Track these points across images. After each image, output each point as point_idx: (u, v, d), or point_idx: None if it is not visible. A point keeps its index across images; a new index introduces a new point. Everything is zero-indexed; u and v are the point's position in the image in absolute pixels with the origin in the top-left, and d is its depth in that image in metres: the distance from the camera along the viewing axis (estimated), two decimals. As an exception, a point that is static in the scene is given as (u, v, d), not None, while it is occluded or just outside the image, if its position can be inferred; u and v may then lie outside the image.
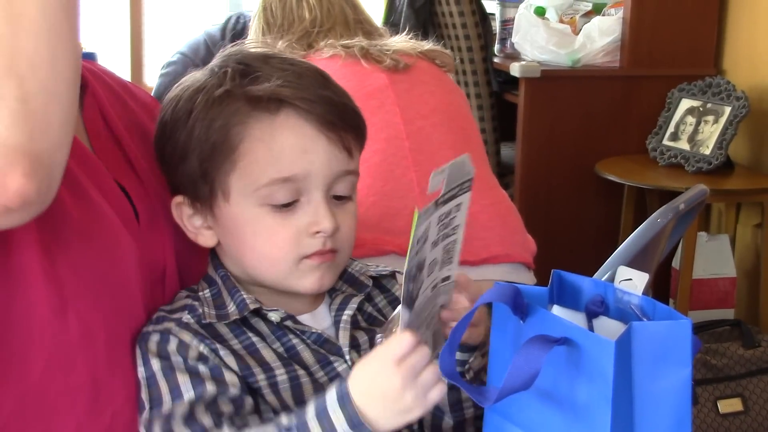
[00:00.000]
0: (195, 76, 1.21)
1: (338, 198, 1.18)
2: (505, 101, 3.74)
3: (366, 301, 1.26)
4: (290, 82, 1.15)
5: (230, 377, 1.12)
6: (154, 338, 1.14)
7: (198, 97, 1.18)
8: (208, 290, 1.21)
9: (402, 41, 2.19)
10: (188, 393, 1.10)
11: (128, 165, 1.23)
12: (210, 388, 1.11)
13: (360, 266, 1.26)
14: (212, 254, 1.24)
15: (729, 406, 2.94)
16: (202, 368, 1.12)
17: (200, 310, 1.17)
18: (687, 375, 0.96)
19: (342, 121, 1.16)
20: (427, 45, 2.21)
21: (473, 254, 1.96)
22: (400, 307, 1.00)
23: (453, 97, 2.18)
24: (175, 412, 1.10)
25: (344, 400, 1.02)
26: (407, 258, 0.97)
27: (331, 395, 1.03)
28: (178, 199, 1.21)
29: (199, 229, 1.21)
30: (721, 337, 3.05)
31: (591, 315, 1.02)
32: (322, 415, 1.02)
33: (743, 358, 2.96)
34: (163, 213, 1.23)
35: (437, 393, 1.00)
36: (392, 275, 1.29)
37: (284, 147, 1.14)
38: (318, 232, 1.15)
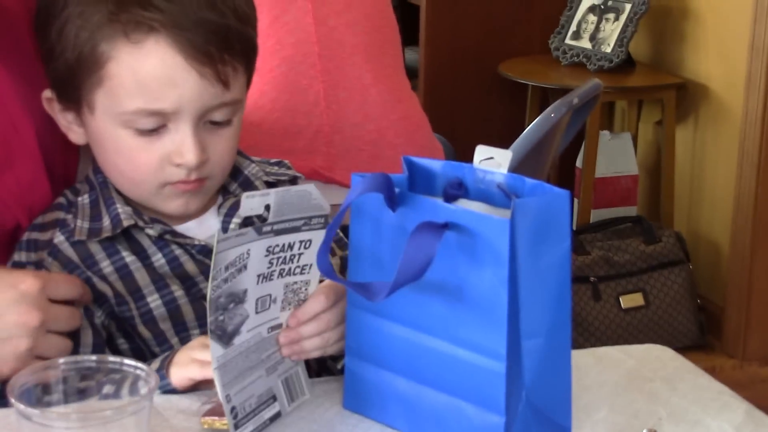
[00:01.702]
0: None
1: (214, 123, 1.11)
2: (407, 3, 3.69)
3: None
4: (167, 3, 1.05)
5: (86, 335, 1.09)
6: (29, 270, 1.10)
7: None
8: (87, 195, 1.15)
9: None
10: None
11: None
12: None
13: (257, 169, 1.20)
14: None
15: (631, 300, 2.99)
16: None
17: (72, 225, 1.12)
18: (566, 248, 0.94)
19: (220, 50, 1.07)
20: None
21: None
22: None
23: None
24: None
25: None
26: (209, 283, 0.91)
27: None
28: (48, 94, 1.14)
29: (70, 125, 1.15)
30: (623, 234, 3.09)
31: (449, 199, 0.99)
32: None
33: (644, 253, 3.01)
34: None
35: None
36: (292, 181, 1.23)
37: (152, 78, 1.06)
38: (181, 164, 1.09)
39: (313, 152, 1.97)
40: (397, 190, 0.96)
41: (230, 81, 1.09)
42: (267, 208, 0.95)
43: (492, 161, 0.99)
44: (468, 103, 3.49)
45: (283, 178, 1.22)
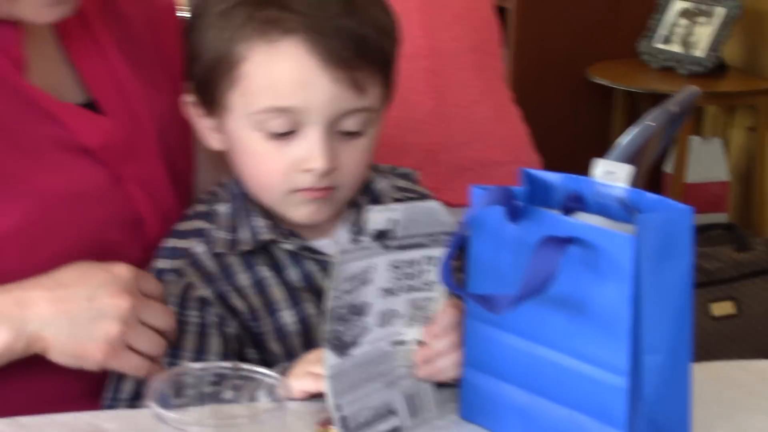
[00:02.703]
0: None
1: (347, 133, 1.11)
2: (498, 7, 3.68)
3: None
4: (307, 7, 1.08)
5: (214, 342, 1.11)
6: (170, 278, 1.13)
7: (224, 2, 1.12)
8: (227, 205, 1.16)
9: None
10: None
11: (110, 74, 1.19)
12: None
13: (385, 184, 1.21)
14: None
15: (722, 309, 2.95)
16: (191, 321, 1.11)
17: (212, 235, 1.14)
18: (689, 265, 0.93)
19: (356, 56, 1.08)
20: None
21: None
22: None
23: None
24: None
25: None
26: (330, 294, 0.91)
27: None
28: (189, 97, 1.17)
29: (209, 131, 1.17)
30: (714, 241, 3.05)
31: (568, 212, 0.98)
32: None
33: (736, 261, 2.96)
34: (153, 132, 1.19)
35: None
36: (420, 199, 1.22)
37: (283, 77, 1.08)
38: (310, 170, 1.10)
39: (420, 171, 1.98)
40: (518, 203, 0.97)
41: (364, 88, 1.10)
42: (393, 223, 0.96)
43: (612, 175, 0.99)
44: (556, 106, 3.48)
45: (411, 195, 1.23)
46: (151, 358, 1.07)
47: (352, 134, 1.11)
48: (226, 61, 1.10)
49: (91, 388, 1.12)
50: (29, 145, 1.10)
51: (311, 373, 1.02)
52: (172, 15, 1.31)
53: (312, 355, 1.05)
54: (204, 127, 1.17)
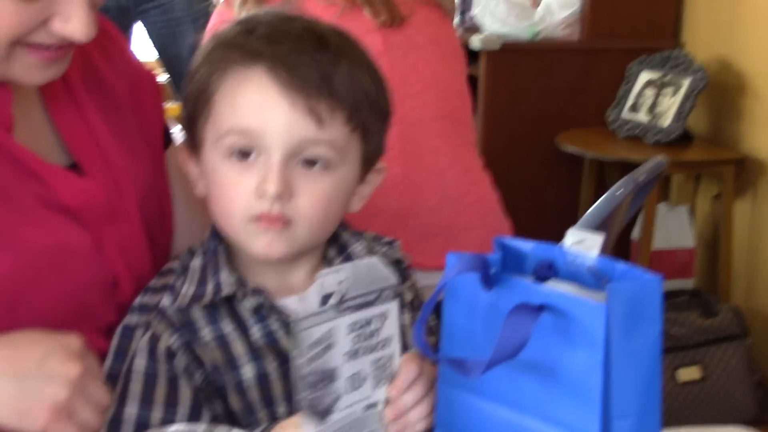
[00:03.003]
0: (226, 26, 1.22)
1: (309, 165, 1.14)
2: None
3: None
4: (275, 40, 1.14)
5: (184, 393, 1.13)
6: (138, 334, 1.16)
7: (207, 44, 1.20)
8: (200, 259, 1.20)
9: None
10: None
11: (93, 140, 1.21)
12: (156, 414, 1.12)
13: (361, 247, 1.24)
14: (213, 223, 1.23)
15: (688, 374, 2.98)
16: (161, 372, 1.13)
17: (179, 291, 1.17)
18: (657, 332, 0.96)
19: (316, 87, 1.12)
20: None
21: None
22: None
23: (449, 65, 2.05)
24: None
25: None
26: (296, 363, 0.93)
27: None
28: (180, 144, 1.23)
29: (195, 178, 1.22)
30: (680, 307, 3.09)
31: (540, 280, 1.01)
32: None
33: (702, 327, 3.00)
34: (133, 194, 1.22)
35: None
36: (396, 263, 1.26)
37: (245, 100, 1.13)
38: (264, 194, 1.12)
39: (389, 235, 2.00)
40: (491, 271, 1.00)
41: (324, 118, 1.13)
42: (343, 283, 0.97)
43: (583, 244, 1.02)
44: (525, 173, 3.52)
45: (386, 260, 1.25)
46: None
47: (312, 167, 1.14)
48: (204, 95, 1.16)
49: None
50: (15, 200, 1.12)
51: None
52: (152, 84, 1.34)
53: (288, 421, 1.07)
54: (192, 174, 1.22)
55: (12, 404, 1.03)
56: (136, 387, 1.13)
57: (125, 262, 1.20)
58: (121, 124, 1.25)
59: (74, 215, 1.16)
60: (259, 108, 1.13)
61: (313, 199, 1.15)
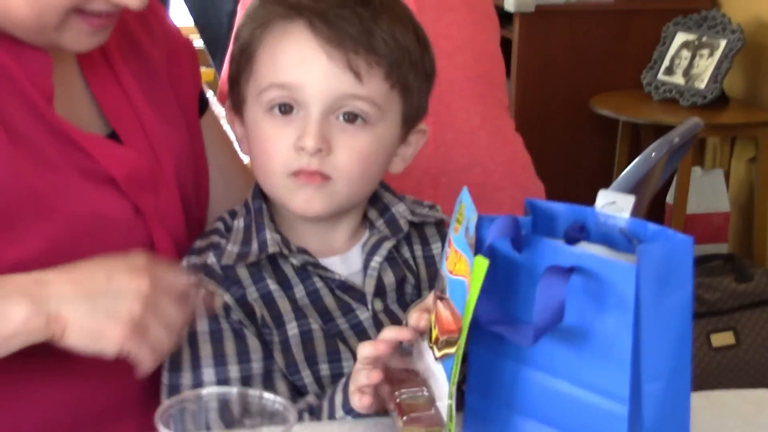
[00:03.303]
0: None
1: (348, 121, 1.14)
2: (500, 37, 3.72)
3: (405, 244, 1.23)
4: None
5: (253, 343, 1.14)
6: (191, 293, 1.15)
7: (253, 4, 1.20)
8: (242, 219, 1.20)
9: None
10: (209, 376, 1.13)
11: (130, 108, 1.21)
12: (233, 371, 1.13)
13: (403, 208, 1.23)
14: (256, 182, 1.23)
15: (722, 339, 2.97)
16: (225, 327, 1.14)
17: (223, 249, 1.17)
18: (688, 294, 0.95)
19: (355, 42, 1.12)
20: None
21: None
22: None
23: (482, 28, 2.04)
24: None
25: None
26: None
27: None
28: (228, 104, 1.24)
29: (241, 138, 1.23)
30: (714, 272, 3.06)
31: (571, 241, 1.00)
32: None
33: (736, 291, 2.98)
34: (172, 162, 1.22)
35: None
36: (438, 223, 1.26)
37: (284, 54, 1.14)
38: (302, 149, 1.13)
39: (419, 194, 2.00)
40: (522, 232, 0.99)
41: (362, 74, 1.13)
42: None
43: (614, 205, 1.01)
44: (559, 136, 3.50)
45: (429, 220, 1.25)
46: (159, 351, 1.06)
47: (353, 122, 1.14)
48: (247, 52, 1.17)
49: (77, 417, 1.14)
50: (56, 169, 1.12)
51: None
52: (188, 51, 1.34)
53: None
54: (237, 133, 1.23)
55: (87, 324, 1.01)
56: (206, 348, 1.13)
57: (163, 229, 1.20)
58: (157, 93, 1.25)
59: (115, 184, 1.16)
60: (297, 62, 1.13)
61: (352, 154, 1.14)
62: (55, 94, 1.14)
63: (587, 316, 0.95)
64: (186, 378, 1.13)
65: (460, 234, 0.99)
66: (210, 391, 0.92)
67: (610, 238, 1.01)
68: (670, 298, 0.95)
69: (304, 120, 1.13)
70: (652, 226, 0.99)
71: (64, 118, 1.14)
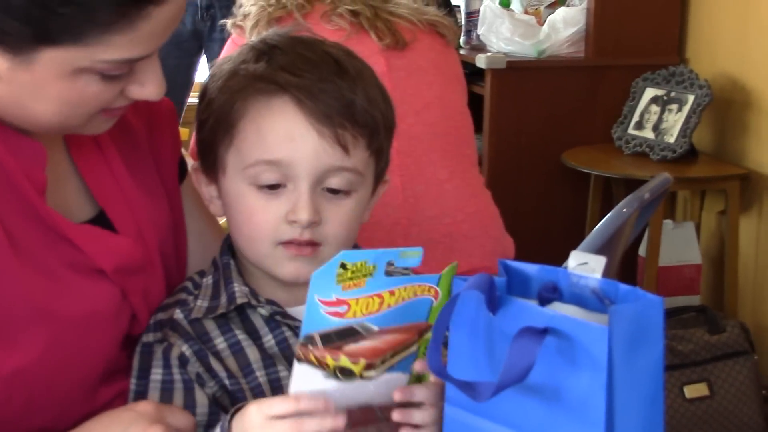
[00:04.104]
0: (240, 50, 1.23)
1: (333, 192, 1.17)
2: (472, 93, 3.76)
3: None
4: (297, 68, 1.16)
5: (201, 397, 1.14)
6: (156, 349, 1.18)
7: (224, 69, 1.21)
8: (210, 276, 1.22)
9: (406, 3, 2.06)
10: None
11: (116, 185, 1.22)
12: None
13: None
14: (225, 238, 1.25)
15: (695, 391, 2.98)
16: (176, 378, 1.15)
17: (191, 304, 1.19)
18: (659, 353, 0.96)
19: (341, 116, 1.15)
20: (432, 11, 2.09)
21: None
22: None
23: (451, 88, 2.10)
24: None
25: None
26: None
27: None
28: (195, 165, 1.25)
29: (211, 198, 1.24)
30: (687, 324, 3.09)
31: (544, 302, 1.02)
32: None
33: (708, 343, 3.00)
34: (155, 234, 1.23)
35: None
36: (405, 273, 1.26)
37: (272, 131, 1.15)
38: (294, 221, 1.15)
39: (390, 244, 2.02)
40: (496, 294, 1.01)
41: (349, 147, 1.16)
42: None
43: (586, 266, 1.03)
44: (531, 190, 3.53)
45: (395, 273, 1.27)
46: None
47: (337, 193, 1.17)
48: (225, 122, 1.18)
49: None
50: (49, 269, 1.12)
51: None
52: (169, 115, 1.35)
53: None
54: (206, 194, 1.25)
55: None
56: (153, 396, 1.15)
57: (146, 306, 1.21)
58: (139, 165, 1.26)
59: (105, 275, 1.16)
60: (287, 138, 1.15)
61: (340, 222, 1.18)
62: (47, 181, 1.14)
63: (560, 376, 0.96)
64: None
65: (374, 278, 1.01)
66: None
67: (582, 299, 1.03)
68: (642, 357, 0.96)
69: (293, 193, 1.15)
70: (623, 287, 1.01)
71: (54, 207, 1.14)
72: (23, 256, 1.10)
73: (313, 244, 1.17)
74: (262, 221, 1.16)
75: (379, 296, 1.02)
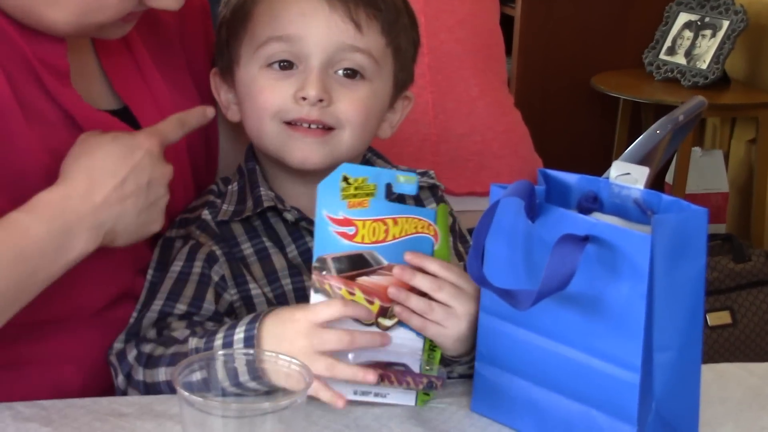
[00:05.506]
0: None
1: (347, 76, 1.16)
2: (503, 14, 3.70)
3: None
4: None
5: (210, 297, 1.14)
6: (177, 245, 1.17)
7: None
8: (236, 183, 1.22)
9: None
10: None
11: (142, 81, 1.21)
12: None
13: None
14: (249, 145, 1.24)
15: (718, 318, 2.98)
16: (195, 271, 1.15)
17: (219, 207, 1.19)
18: (702, 266, 0.96)
19: None
20: None
21: (483, 185, 1.92)
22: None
23: (483, 6, 2.09)
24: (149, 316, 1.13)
25: (250, 342, 1.02)
26: None
27: (240, 332, 1.04)
28: (214, 70, 1.25)
29: (229, 104, 1.23)
30: (712, 252, 3.07)
31: (584, 212, 1.00)
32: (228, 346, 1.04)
33: (733, 272, 2.99)
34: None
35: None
36: (432, 188, 1.26)
37: (285, 9, 1.15)
38: (304, 99, 1.14)
39: (419, 160, 2.01)
40: (537, 201, 0.99)
41: (362, 25, 1.15)
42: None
43: (628, 177, 1.01)
44: (559, 114, 3.50)
45: (422, 185, 1.25)
46: None
47: (351, 78, 1.16)
48: (241, 13, 1.18)
49: (87, 382, 1.14)
50: (62, 153, 1.10)
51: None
52: (202, 16, 1.33)
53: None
54: (224, 101, 1.24)
55: (134, 228, 1.09)
56: (166, 284, 1.14)
57: (170, 202, 1.20)
58: (170, 61, 1.25)
59: None
60: (298, 14, 1.15)
61: (354, 104, 1.16)
62: (72, 74, 1.13)
63: (600, 285, 0.95)
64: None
65: (377, 200, 1.02)
66: (226, 352, 0.93)
67: (623, 209, 1.02)
68: (684, 268, 0.95)
69: (304, 72, 1.15)
70: (666, 197, 0.99)
71: (79, 95, 1.13)
72: (39, 129, 1.09)
73: (324, 129, 1.15)
74: (269, 98, 1.15)
75: (384, 222, 1.02)
